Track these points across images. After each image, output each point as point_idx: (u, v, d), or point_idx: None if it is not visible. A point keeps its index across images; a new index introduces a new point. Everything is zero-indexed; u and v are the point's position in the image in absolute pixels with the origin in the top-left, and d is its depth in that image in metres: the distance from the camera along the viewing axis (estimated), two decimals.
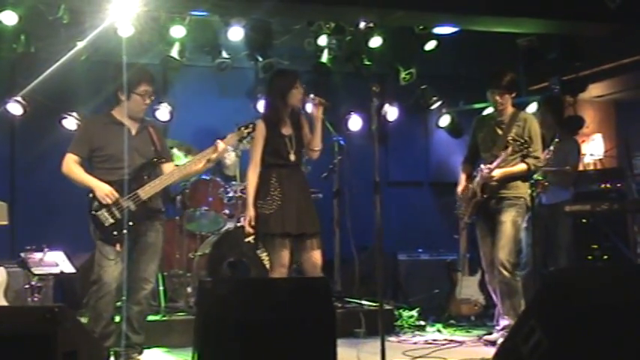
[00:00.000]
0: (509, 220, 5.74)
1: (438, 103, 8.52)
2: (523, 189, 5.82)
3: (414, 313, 6.90)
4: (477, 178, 5.88)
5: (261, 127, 5.45)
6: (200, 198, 6.89)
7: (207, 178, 6.90)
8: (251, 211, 5.37)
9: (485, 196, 5.84)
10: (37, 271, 6.10)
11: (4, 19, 6.57)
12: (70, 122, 7.22)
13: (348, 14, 7.05)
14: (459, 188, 6.10)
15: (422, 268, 7.88)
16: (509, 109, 5.91)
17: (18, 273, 6.22)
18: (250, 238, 5.41)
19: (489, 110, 6.65)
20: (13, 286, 6.14)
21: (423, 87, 8.47)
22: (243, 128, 5.30)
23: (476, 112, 7.11)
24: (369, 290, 6.83)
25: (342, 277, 7.10)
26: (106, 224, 5.01)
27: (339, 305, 6.66)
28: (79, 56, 7.02)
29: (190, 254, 6.81)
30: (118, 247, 4.99)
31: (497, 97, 5.83)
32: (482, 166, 5.88)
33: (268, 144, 5.45)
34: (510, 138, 5.76)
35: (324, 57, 7.85)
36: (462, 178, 6.13)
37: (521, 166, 5.76)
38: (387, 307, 6.59)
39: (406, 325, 6.73)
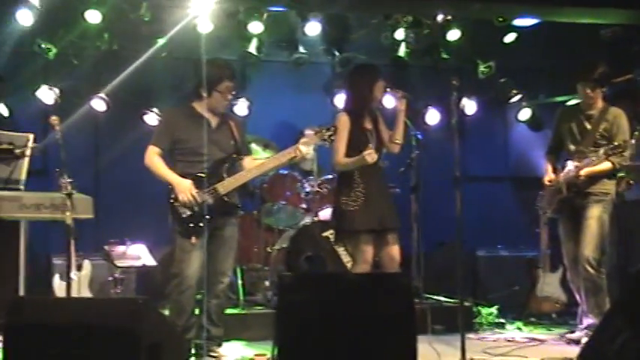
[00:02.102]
0: (596, 217, 5.59)
1: (518, 96, 8.32)
2: (610, 185, 5.66)
3: (494, 310, 6.79)
4: (564, 174, 5.73)
5: (345, 121, 5.40)
6: (278, 192, 6.95)
7: (285, 172, 6.94)
8: None
9: (571, 193, 5.70)
10: (120, 263, 6.26)
11: (89, 17, 6.74)
12: (151, 118, 7.36)
13: (426, 7, 6.99)
14: (546, 178, 5.93)
15: (501, 264, 7.71)
16: (599, 103, 5.72)
17: (102, 265, 6.40)
18: (329, 233, 5.41)
19: (574, 101, 6.45)
20: (96, 278, 6.33)
21: (502, 80, 8.28)
22: (325, 130, 5.13)
23: (556, 106, 6.93)
24: (447, 286, 6.75)
25: (420, 273, 7.03)
26: (184, 215, 5.06)
27: (417, 301, 6.60)
28: (159, 53, 7.16)
29: (268, 248, 6.87)
30: (193, 239, 5.03)
31: (588, 91, 5.64)
32: (569, 162, 5.71)
33: (351, 138, 5.40)
34: (599, 134, 5.60)
35: (402, 51, 7.77)
36: (548, 168, 5.98)
37: (606, 165, 5.55)
38: (466, 304, 6.50)
39: (485, 323, 6.63)
